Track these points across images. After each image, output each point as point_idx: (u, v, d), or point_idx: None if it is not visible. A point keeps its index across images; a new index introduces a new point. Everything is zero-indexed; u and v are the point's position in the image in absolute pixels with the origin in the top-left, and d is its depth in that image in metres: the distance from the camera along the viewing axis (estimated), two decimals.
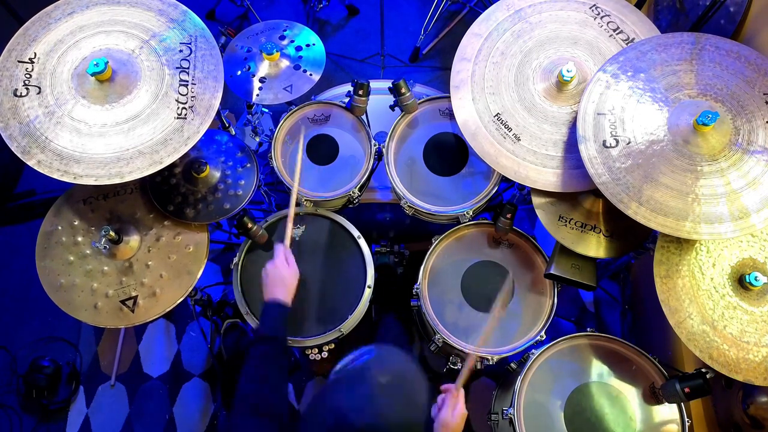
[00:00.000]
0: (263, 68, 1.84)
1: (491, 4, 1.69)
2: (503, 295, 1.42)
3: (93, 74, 1.38)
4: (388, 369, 0.99)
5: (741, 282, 1.37)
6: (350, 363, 1.03)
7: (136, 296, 1.60)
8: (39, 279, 1.60)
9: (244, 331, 2.13)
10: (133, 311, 1.59)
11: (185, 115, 1.43)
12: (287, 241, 1.49)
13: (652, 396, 1.53)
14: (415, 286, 1.71)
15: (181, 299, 1.62)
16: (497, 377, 2.10)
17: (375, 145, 1.78)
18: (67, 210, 1.68)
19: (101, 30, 1.47)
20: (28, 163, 1.35)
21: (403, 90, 1.73)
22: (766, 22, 1.65)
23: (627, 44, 1.56)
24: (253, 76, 1.83)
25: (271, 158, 1.77)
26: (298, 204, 1.80)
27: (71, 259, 1.62)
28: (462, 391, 1.30)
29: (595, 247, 1.56)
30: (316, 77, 1.83)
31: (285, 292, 1.39)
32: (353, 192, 1.75)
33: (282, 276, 1.40)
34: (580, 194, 1.57)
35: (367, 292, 1.67)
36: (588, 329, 1.62)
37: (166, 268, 1.64)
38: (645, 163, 1.32)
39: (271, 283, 1.40)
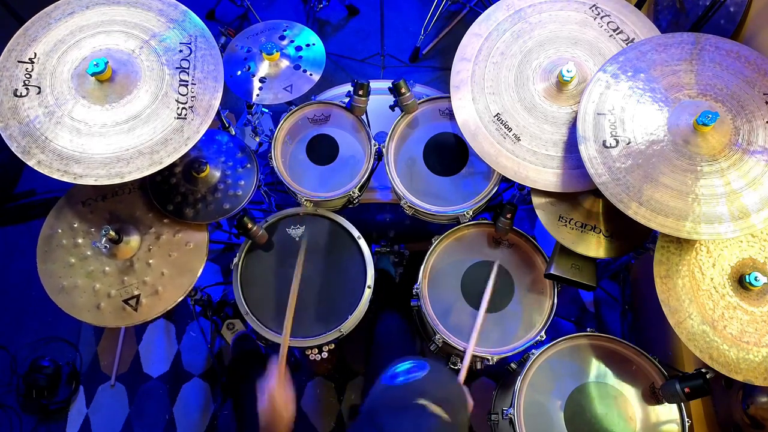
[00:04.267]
0: (263, 68, 1.84)
1: (491, 4, 1.69)
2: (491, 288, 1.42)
3: (93, 74, 1.38)
4: (438, 396, 0.98)
5: (741, 282, 1.36)
6: (401, 376, 1.03)
7: (139, 295, 1.60)
8: (39, 280, 1.60)
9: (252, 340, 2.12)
10: (136, 310, 1.59)
11: (185, 115, 1.43)
12: (281, 366, 1.33)
13: (652, 396, 1.53)
14: (415, 286, 1.71)
15: (184, 296, 1.62)
16: (497, 377, 2.10)
17: (375, 145, 1.78)
18: (67, 212, 1.68)
19: (101, 30, 1.47)
20: (28, 163, 1.35)
21: (403, 90, 1.73)
22: (766, 22, 1.65)
23: (627, 44, 1.56)
24: (253, 76, 1.83)
25: (271, 158, 1.77)
26: (298, 204, 1.80)
27: (72, 261, 1.62)
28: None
29: (595, 247, 1.56)
30: (316, 77, 1.83)
31: None
32: (353, 192, 1.75)
33: (278, 417, 1.28)
34: (580, 194, 1.57)
35: (367, 292, 1.67)
36: (588, 329, 1.62)
37: (168, 265, 1.64)
38: (645, 163, 1.32)
39: (267, 426, 1.29)
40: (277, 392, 1.29)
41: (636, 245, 1.58)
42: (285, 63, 1.85)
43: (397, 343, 1.81)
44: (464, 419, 1.01)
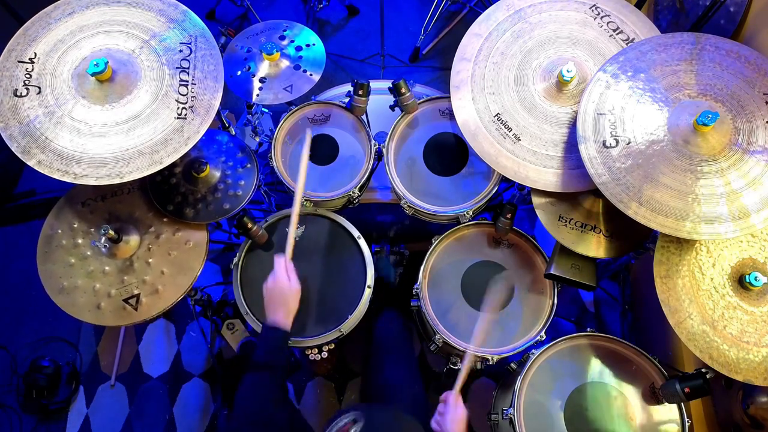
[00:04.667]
0: (263, 68, 1.84)
1: (491, 4, 1.69)
2: (498, 295, 1.40)
3: (93, 74, 1.38)
4: None
5: (741, 282, 1.36)
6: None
7: (139, 294, 1.60)
8: (40, 280, 1.60)
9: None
10: (136, 309, 1.59)
11: (185, 115, 1.43)
12: (289, 250, 1.41)
13: (652, 396, 1.53)
14: (415, 286, 1.71)
15: (184, 294, 1.62)
16: (497, 377, 2.10)
17: (375, 145, 1.78)
18: (66, 213, 1.68)
19: (101, 30, 1.47)
20: (29, 163, 1.35)
21: (403, 90, 1.73)
22: (766, 22, 1.65)
23: (627, 44, 1.56)
24: (253, 76, 1.83)
25: (271, 158, 1.77)
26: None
27: (72, 262, 1.62)
28: (460, 395, 1.30)
29: (595, 247, 1.56)
30: (316, 77, 1.83)
31: (285, 313, 1.33)
32: (353, 192, 1.75)
33: (283, 295, 1.33)
34: (580, 194, 1.57)
35: (367, 292, 1.67)
36: (588, 329, 1.62)
37: (167, 264, 1.64)
38: (645, 163, 1.32)
39: (271, 302, 1.34)
40: (285, 267, 1.36)
41: (636, 245, 1.58)
42: (285, 63, 1.85)
43: (396, 344, 1.81)
44: None
